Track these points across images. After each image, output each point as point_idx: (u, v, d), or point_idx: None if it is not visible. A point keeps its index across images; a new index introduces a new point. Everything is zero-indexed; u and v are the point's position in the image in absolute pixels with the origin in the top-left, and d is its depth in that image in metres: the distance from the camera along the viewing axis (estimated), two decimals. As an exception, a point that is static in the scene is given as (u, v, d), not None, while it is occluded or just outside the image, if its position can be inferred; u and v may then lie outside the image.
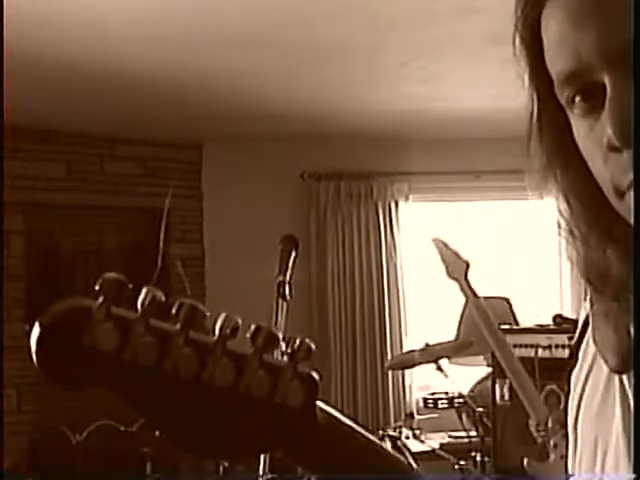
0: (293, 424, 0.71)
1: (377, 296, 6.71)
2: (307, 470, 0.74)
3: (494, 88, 5.23)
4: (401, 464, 0.83)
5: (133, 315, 0.67)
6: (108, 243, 6.55)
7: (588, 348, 1.06)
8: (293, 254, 3.09)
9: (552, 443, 3.00)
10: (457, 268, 3.59)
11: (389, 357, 6.46)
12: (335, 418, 0.77)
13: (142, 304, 0.67)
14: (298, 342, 0.71)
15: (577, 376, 1.09)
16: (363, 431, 0.80)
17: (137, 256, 6.57)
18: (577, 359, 1.10)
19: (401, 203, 6.87)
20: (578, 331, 1.11)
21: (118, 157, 6.57)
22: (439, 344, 4.84)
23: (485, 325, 3.62)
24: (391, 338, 6.67)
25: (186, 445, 0.68)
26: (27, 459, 4.91)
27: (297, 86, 5.42)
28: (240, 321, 0.69)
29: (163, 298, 0.68)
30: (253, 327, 0.70)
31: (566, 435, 1.11)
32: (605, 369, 0.99)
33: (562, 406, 1.13)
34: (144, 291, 0.67)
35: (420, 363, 4.81)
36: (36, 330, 0.65)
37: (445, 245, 3.64)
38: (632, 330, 0.89)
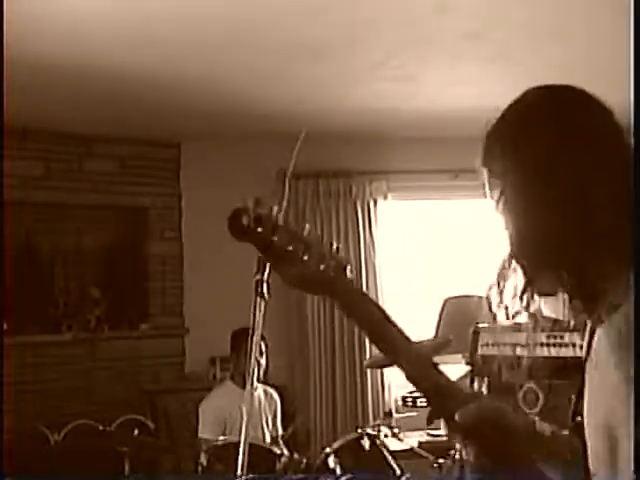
0: (332, 282, 1.41)
1: (356, 294, 6.71)
2: (339, 306, 1.45)
3: (472, 86, 5.24)
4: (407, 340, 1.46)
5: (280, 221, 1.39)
6: (87, 242, 6.51)
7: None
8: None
9: None
10: None
11: (368, 355, 6.46)
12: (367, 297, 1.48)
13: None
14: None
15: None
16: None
17: (116, 254, 6.55)
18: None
19: (380, 201, 6.88)
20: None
21: (96, 155, 6.55)
22: (418, 342, 4.83)
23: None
24: (370, 336, 6.66)
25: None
26: (5, 459, 4.88)
27: (276, 85, 5.41)
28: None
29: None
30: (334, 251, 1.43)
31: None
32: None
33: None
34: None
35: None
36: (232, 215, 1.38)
37: None
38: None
